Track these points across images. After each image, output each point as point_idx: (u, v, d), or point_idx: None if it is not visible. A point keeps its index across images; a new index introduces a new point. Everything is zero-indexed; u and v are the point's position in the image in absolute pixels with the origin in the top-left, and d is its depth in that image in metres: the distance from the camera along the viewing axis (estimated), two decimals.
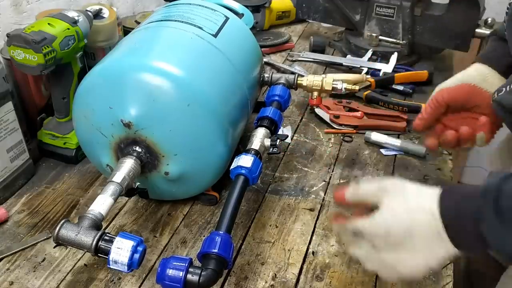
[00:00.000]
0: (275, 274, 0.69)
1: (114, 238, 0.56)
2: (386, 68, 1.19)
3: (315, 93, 0.92)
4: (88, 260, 0.70)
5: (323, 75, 0.93)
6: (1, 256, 0.70)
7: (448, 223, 0.47)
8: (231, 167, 0.71)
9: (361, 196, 0.54)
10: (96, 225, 0.59)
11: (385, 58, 1.24)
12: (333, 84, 0.90)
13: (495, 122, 0.71)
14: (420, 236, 0.48)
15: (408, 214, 0.49)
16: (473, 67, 0.75)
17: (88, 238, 0.56)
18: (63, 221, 0.57)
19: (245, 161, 0.70)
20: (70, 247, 0.71)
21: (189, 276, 0.55)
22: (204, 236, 0.75)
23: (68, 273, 0.68)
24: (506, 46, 0.69)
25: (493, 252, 0.46)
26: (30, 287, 0.66)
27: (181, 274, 0.55)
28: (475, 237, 0.45)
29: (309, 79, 0.91)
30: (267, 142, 0.75)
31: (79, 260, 0.70)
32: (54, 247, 0.72)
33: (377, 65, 1.21)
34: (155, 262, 0.71)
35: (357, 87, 0.92)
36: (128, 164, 0.67)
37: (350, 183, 0.60)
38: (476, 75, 0.74)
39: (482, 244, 0.45)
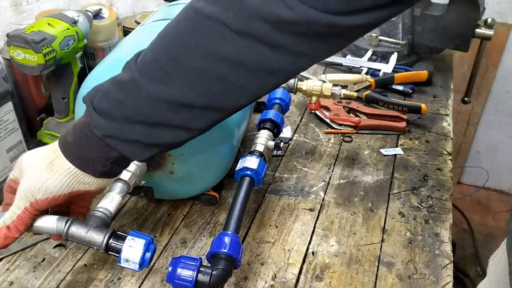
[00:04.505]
0: (275, 274, 0.69)
1: (126, 236, 0.56)
2: (386, 68, 1.19)
3: (314, 98, 0.92)
4: (88, 260, 0.70)
5: (323, 77, 0.92)
6: (1, 256, 0.70)
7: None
8: (237, 168, 0.71)
9: None
10: (105, 222, 0.59)
11: (385, 58, 1.24)
12: (332, 89, 0.90)
13: None
14: None
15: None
16: None
17: (99, 235, 0.56)
18: (71, 219, 0.57)
19: (251, 162, 0.70)
20: (69, 247, 0.71)
21: (200, 276, 0.55)
22: (204, 236, 0.75)
23: (68, 273, 0.68)
24: None
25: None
26: (30, 287, 0.66)
27: (192, 273, 0.55)
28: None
29: (309, 84, 0.90)
30: (271, 144, 0.76)
31: (79, 260, 0.70)
32: (54, 247, 0.72)
33: (377, 65, 1.21)
34: (155, 262, 0.71)
35: (355, 94, 0.91)
36: (135, 163, 0.67)
37: None
38: None
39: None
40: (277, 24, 0.46)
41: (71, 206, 0.61)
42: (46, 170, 0.54)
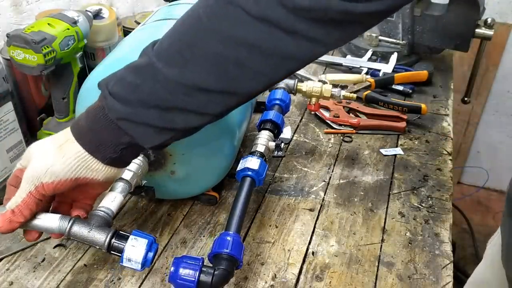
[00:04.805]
0: (275, 274, 0.69)
1: (128, 235, 0.56)
2: (386, 68, 1.19)
3: (314, 99, 0.92)
4: (88, 260, 0.70)
5: (323, 77, 0.92)
6: (1, 256, 0.70)
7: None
8: (238, 169, 0.71)
9: None
10: (107, 222, 0.59)
11: (385, 58, 1.24)
12: (332, 91, 0.90)
13: None
14: None
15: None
16: None
17: (101, 235, 0.56)
18: (73, 218, 0.57)
19: (252, 163, 0.71)
20: (69, 247, 0.71)
21: (202, 276, 0.55)
22: (204, 236, 0.75)
23: (68, 273, 0.68)
24: None
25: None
26: (30, 287, 0.66)
27: (195, 273, 0.55)
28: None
29: (309, 85, 0.90)
30: (272, 145, 0.76)
31: (79, 260, 0.70)
32: (54, 247, 0.72)
33: (377, 65, 1.21)
34: (155, 262, 0.70)
35: (354, 96, 0.91)
36: (137, 162, 0.67)
37: None
38: None
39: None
40: (294, 10, 0.48)
41: (74, 203, 0.61)
42: (55, 153, 0.55)
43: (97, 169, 0.56)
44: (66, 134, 0.56)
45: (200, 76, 0.51)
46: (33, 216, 0.57)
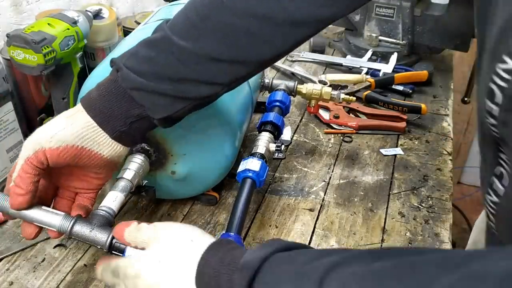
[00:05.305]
0: None
1: None
2: (386, 68, 1.19)
3: (313, 101, 0.92)
4: (88, 260, 0.70)
5: (324, 77, 0.92)
6: (1, 256, 0.70)
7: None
8: (239, 170, 0.71)
9: (136, 238, 0.52)
10: (109, 221, 0.59)
11: (385, 59, 1.24)
12: (331, 93, 0.90)
13: None
14: None
15: (164, 267, 0.47)
16: None
17: (102, 235, 0.56)
18: (75, 217, 0.57)
19: (253, 164, 0.71)
20: (69, 247, 0.71)
21: None
22: None
23: (68, 273, 0.68)
24: None
25: None
26: (30, 287, 0.66)
27: None
28: None
29: (309, 88, 0.91)
30: (272, 146, 0.76)
31: (79, 260, 0.70)
32: (54, 247, 0.72)
33: (377, 65, 1.21)
34: None
35: (354, 99, 0.92)
36: (138, 161, 0.67)
37: (133, 223, 0.54)
38: None
39: None
40: None
41: (77, 196, 0.61)
42: (64, 121, 0.55)
43: (104, 143, 0.56)
44: (76, 107, 0.57)
45: (212, 46, 0.54)
46: (36, 193, 0.55)
